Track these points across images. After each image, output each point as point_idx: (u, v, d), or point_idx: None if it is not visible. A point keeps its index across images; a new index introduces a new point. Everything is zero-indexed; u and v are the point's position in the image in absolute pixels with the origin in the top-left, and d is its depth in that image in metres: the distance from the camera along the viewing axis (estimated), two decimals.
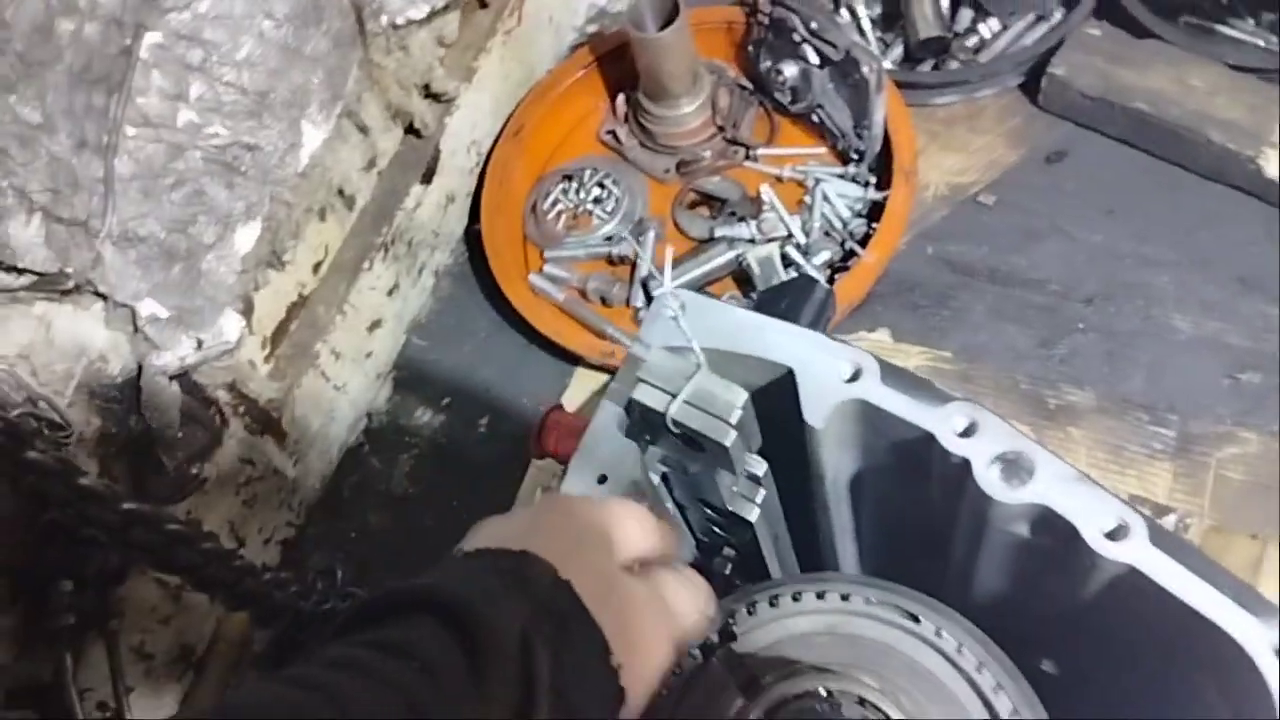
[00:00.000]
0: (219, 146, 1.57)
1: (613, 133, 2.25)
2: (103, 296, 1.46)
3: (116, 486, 1.39)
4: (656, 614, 0.72)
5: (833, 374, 0.88)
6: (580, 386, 2.06)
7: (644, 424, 0.91)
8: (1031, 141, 2.13)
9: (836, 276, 1.99)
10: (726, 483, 0.95)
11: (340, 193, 1.88)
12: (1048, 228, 2.04)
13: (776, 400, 0.91)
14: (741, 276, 2.04)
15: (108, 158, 1.40)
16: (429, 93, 2.01)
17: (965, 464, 0.82)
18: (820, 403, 0.87)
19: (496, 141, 2.24)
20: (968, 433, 0.83)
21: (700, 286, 2.03)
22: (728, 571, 1.06)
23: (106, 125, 1.40)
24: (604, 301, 2.09)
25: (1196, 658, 0.79)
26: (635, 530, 0.75)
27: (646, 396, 0.84)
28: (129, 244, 1.46)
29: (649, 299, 2.06)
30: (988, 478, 0.81)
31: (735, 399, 0.82)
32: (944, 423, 0.83)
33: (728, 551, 1.07)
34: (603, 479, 0.91)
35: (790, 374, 0.89)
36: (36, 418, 1.23)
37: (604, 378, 2.06)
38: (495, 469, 2.01)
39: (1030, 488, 0.79)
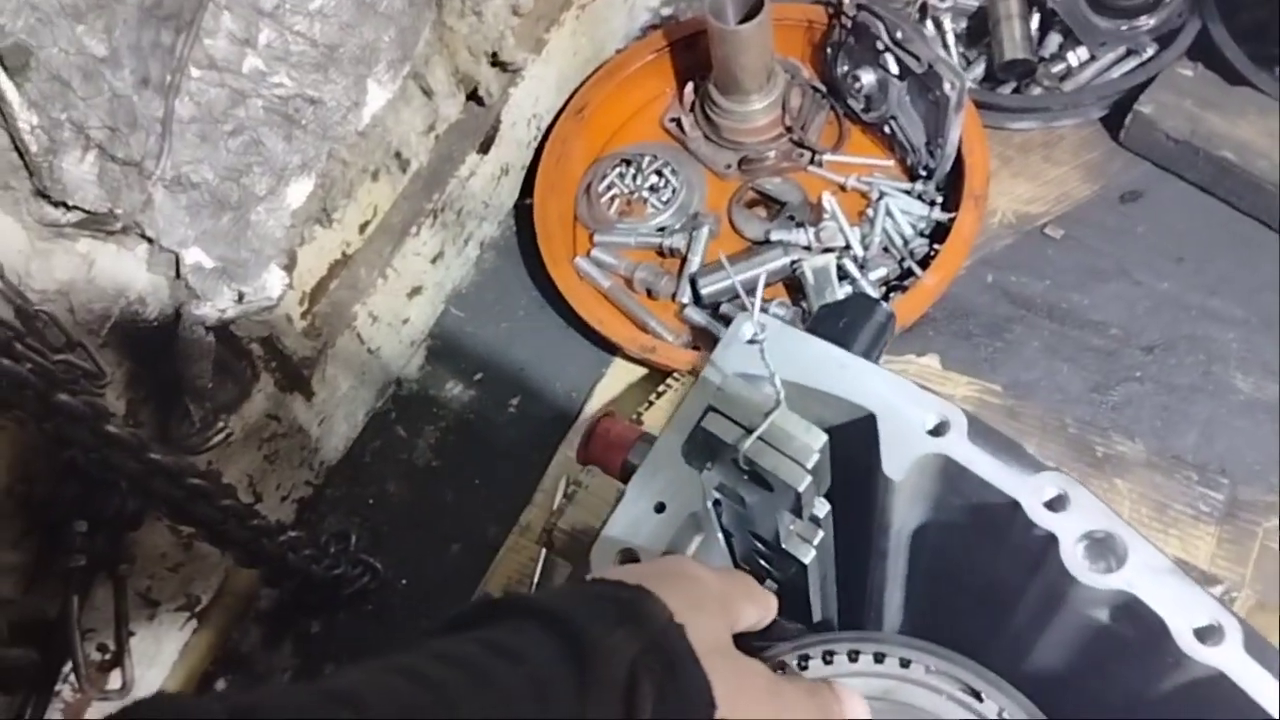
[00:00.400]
0: (282, 97, 1.52)
1: (677, 121, 2.19)
2: (149, 240, 1.42)
3: (142, 433, 1.36)
4: (772, 697, 0.70)
5: (916, 424, 0.83)
6: (616, 378, 2.01)
7: (706, 449, 0.86)
8: (1107, 178, 2.06)
9: (892, 295, 1.94)
10: (785, 521, 0.90)
11: (397, 155, 1.84)
12: (1114, 269, 1.98)
13: (850, 441, 0.86)
14: (793, 284, 1.99)
15: (169, 98, 1.35)
16: (496, 61, 1.95)
17: (1050, 538, 0.77)
18: (900, 453, 0.82)
19: (558, 117, 2.18)
20: (1056, 505, 0.78)
21: (749, 290, 1.97)
22: None
23: (171, 64, 1.35)
24: (650, 293, 2.04)
25: None
26: (751, 610, 0.76)
27: (718, 428, 0.79)
28: (181, 189, 1.42)
29: (696, 295, 2.01)
30: (1074, 557, 0.76)
31: (814, 442, 0.76)
32: (1033, 492, 0.78)
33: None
34: (660, 507, 0.86)
35: (871, 419, 0.84)
36: (73, 365, 1.20)
37: (641, 371, 2.01)
38: (522, 451, 1.97)
39: (1120, 574, 0.74)
